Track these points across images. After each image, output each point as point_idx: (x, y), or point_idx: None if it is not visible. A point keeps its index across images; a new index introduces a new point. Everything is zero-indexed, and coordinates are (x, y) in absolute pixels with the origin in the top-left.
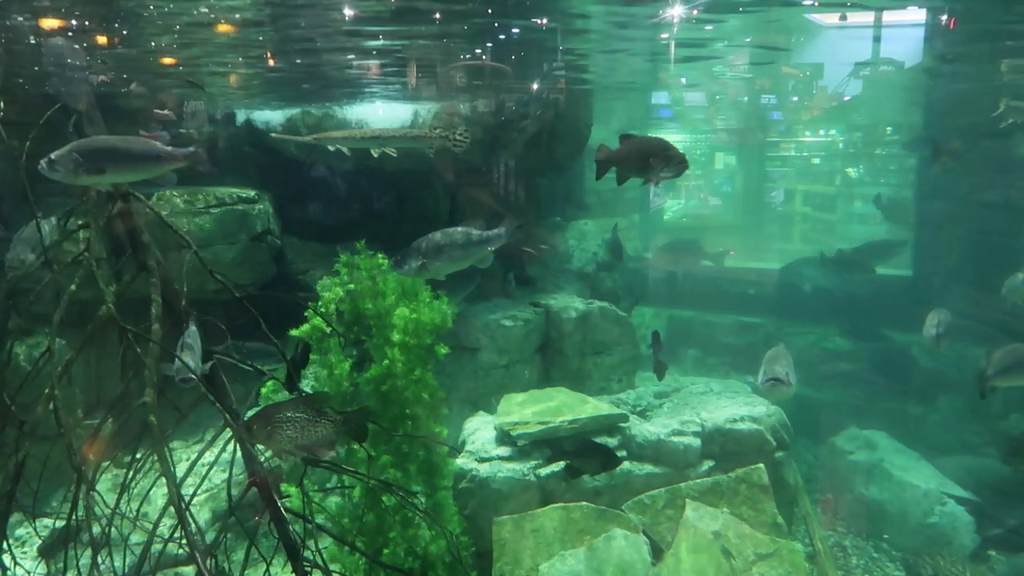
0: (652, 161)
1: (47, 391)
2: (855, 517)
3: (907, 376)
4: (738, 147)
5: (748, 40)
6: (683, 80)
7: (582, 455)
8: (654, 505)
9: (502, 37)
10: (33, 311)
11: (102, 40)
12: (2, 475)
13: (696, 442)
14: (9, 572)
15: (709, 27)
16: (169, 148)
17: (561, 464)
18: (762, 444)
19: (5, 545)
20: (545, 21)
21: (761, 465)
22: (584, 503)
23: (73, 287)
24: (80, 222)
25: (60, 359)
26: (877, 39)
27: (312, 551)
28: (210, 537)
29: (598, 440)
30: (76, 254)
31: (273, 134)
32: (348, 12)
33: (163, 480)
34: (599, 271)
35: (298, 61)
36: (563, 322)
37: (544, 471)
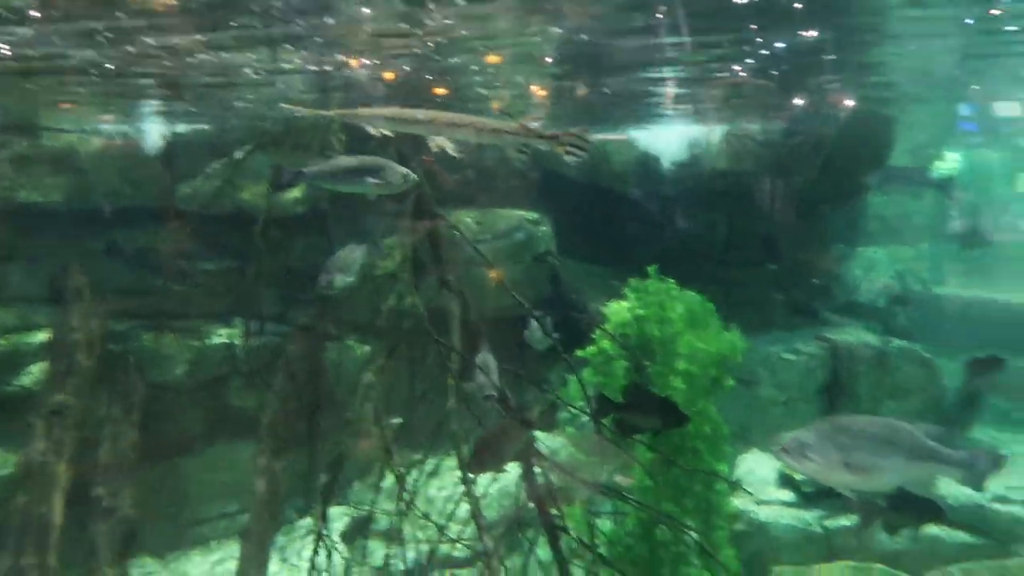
0: None
1: (361, 391)
2: None
3: None
4: None
5: None
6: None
7: (897, 507)
8: None
9: (764, 52)
10: (341, 318)
11: None
12: (319, 467)
13: None
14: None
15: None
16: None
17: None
18: None
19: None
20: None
21: None
22: (878, 565)
23: (391, 300)
24: (394, 241)
25: (369, 363)
26: None
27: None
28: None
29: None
30: (389, 270)
31: (284, 104)
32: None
33: (440, 483)
34: (892, 305)
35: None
36: (855, 360)
37: (832, 523)
